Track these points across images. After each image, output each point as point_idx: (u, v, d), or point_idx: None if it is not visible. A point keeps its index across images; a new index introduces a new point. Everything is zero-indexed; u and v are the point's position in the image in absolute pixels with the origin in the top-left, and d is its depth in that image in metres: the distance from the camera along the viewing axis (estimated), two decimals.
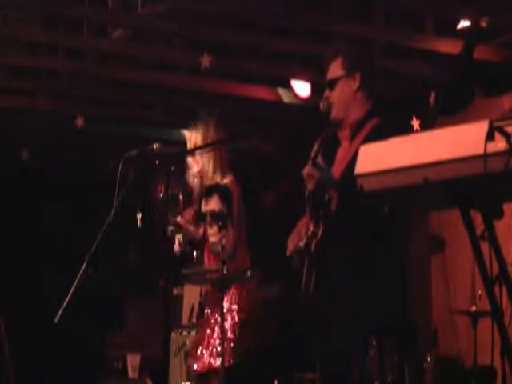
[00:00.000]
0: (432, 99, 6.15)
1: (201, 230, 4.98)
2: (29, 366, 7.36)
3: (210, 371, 4.76)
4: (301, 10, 5.96)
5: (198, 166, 5.14)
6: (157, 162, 4.20)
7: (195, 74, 6.87)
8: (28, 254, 8.28)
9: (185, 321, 5.86)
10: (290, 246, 3.91)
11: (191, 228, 4.96)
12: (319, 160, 3.79)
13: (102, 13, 6.02)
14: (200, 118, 5.24)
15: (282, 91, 7.41)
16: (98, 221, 4.00)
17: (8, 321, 6.53)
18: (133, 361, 7.58)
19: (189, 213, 4.99)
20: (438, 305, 7.35)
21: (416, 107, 6.23)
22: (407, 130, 4.32)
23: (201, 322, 5.00)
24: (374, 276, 3.70)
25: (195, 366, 4.80)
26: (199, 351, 4.81)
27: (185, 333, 5.30)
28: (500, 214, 2.65)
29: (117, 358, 7.80)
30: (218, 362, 4.56)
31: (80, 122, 7.51)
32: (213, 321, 4.85)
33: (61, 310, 3.80)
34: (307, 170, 3.73)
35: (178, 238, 4.88)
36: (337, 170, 3.82)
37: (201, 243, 5.04)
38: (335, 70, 3.96)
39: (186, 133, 5.30)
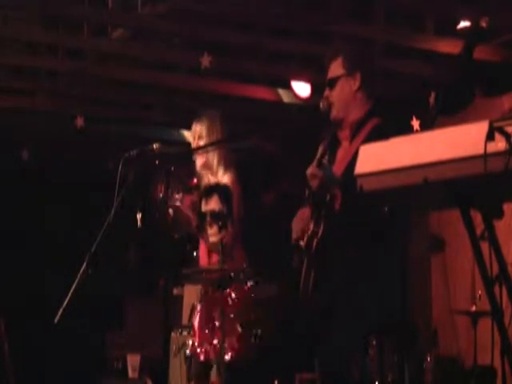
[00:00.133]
0: (432, 99, 6.15)
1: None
2: (29, 366, 7.35)
3: (210, 362, 4.78)
4: (301, 10, 5.96)
5: (202, 160, 5.15)
6: (157, 162, 4.20)
7: (195, 74, 6.87)
8: (28, 253, 8.27)
9: (185, 321, 5.85)
10: (294, 234, 3.91)
11: (189, 214, 4.97)
12: (325, 160, 3.80)
13: (102, 13, 6.02)
14: (204, 112, 5.25)
15: (282, 91, 7.41)
16: (98, 221, 4.00)
17: (8, 321, 6.53)
18: (133, 361, 7.57)
19: (189, 199, 5.00)
20: (437, 305, 7.35)
21: (416, 107, 6.23)
22: (407, 130, 4.32)
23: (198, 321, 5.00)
24: (374, 276, 3.70)
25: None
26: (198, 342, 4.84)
27: (185, 333, 5.29)
28: (500, 214, 2.66)
29: (117, 357, 7.80)
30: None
31: (80, 122, 7.51)
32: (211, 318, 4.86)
33: (61, 310, 3.80)
34: (311, 170, 3.74)
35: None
36: (337, 170, 3.82)
37: (197, 233, 5.05)
38: (335, 69, 3.96)
39: (192, 127, 5.29)
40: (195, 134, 5.20)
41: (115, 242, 4.00)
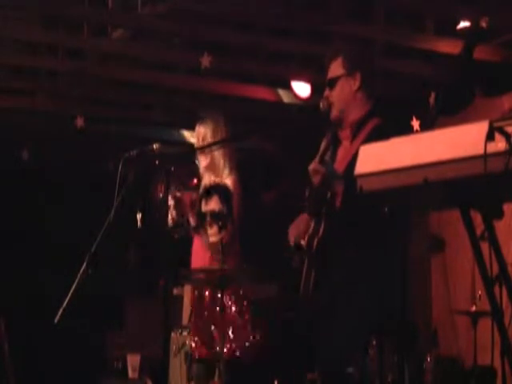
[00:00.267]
0: (432, 99, 6.15)
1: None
2: (29, 366, 7.35)
3: (210, 358, 4.79)
4: (301, 10, 5.96)
5: (207, 161, 5.14)
6: (157, 162, 4.20)
7: (195, 74, 6.87)
8: (28, 253, 8.27)
9: (185, 321, 5.85)
10: (291, 238, 3.91)
11: (188, 209, 4.98)
12: (327, 157, 3.80)
13: (102, 13, 6.02)
14: (208, 114, 5.25)
15: (282, 91, 7.41)
16: (98, 221, 4.00)
17: (8, 321, 6.53)
18: (133, 361, 7.57)
19: (188, 198, 5.00)
20: (437, 305, 7.35)
21: (416, 107, 6.23)
22: (407, 130, 4.32)
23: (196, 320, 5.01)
24: (374, 276, 3.70)
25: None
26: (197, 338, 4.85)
27: (185, 333, 5.30)
28: (500, 215, 2.66)
29: (117, 358, 7.80)
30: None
31: (80, 122, 7.51)
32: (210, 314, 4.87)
33: (61, 310, 3.80)
34: (313, 165, 3.74)
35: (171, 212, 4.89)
36: (337, 170, 3.82)
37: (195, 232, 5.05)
38: (335, 69, 3.96)
39: (195, 129, 5.29)
40: (199, 136, 5.18)
41: (115, 241, 4.01)
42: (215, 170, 5.15)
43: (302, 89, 7.10)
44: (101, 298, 7.98)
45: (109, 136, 8.18)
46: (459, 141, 2.47)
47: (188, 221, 4.99)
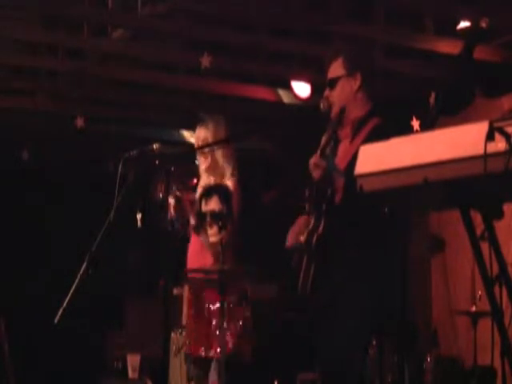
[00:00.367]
0: (432, 99, 6.15)
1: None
2: (29, 366, 7.36)
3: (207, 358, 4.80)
4: (301, 10, 5.96)
5: (207, 163, 5.14)
6: (157, 162, 4.20)
7: (195, 74, 6.87)
8: (28, 253, 8.27)
9: (185, 321, 5.85)
10: (289, 241, 3.91)
11: (188, 209, 4.98)
12: (328, 151, 3.80)
13: (102, 13, 6.02)
14: (209, 116, 5.24)
15: (282, 91, 7.41)
16: (98, 221, 4.00)
17: (8, 321, 6.53)
18: (133, 361, 7.57)
19: (187, 197, 5.00)
20: (437, 305, 7.35)
21: (416, 107, 6.23)
22: (407, 130, 4.32)
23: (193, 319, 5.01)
24: (374, 276, 3.70)
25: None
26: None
27: (185, 333, 5.30)
28: (500, 215, 2.65)
29: (117, 358, 7.80)
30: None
31: (80, 122, 7.51)
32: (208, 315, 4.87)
33: (61, 310, 3.80)
34: (314, 159, 3.75)
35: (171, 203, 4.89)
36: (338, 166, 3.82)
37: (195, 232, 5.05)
38: (336, 69, 3.96)
39: (195, 131, 5.29)
40: (200, 138, 5.17)
41: (115, 242, 4.01)
42: (216, 171, 5.15)
43: (301, 89, 7.10)
44: (101, 297, 7.98)
45: (109, 136, 8.18)
46: (459, 141, 2.47)
47: (188, 221, 4.99)
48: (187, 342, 4.94)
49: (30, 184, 8.45)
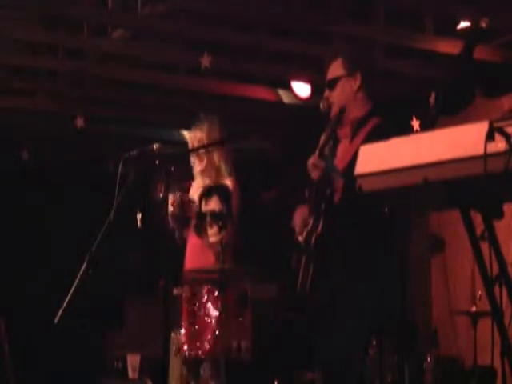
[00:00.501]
0: (432, 99, 6.15)
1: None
2: (29, 366, 7.35)
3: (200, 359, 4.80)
4: (301, 10, 5.96)
5: (202, 165, 5.14)
6: (157, 162, 4.20)
7: (195, 74, 6.87)
8: (28, 253, 8.27)
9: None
10: (298, 228, 3.90)
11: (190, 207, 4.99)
12: (326, 151, 3.80)
13: (102, 13, 6.02)
14: (203, 117, 5.24)
15: (282, 92, 7.41)
16: (98, 221, 4.00)
17: (8, 321, 6.53)
18: (133, 361, 7.57)
19: (187, 197, 5.01)
20: (437, 305, 7.35)
21: (416, 107, 6.23)
22: (407, 130, 4.33)
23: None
24: (373, 276, 3.70)
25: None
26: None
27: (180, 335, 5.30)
28: (500, 215, 2.65)
29: (117, 358, 7.79)
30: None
31: (80, 122, 7.51)
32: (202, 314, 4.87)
33: (61, 310, 3.80)
34: (313, 159, 3.74)
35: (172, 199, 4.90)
36: (337, 167, 3.82)
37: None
38: (335, 69, 3.96)
39: (189, 132, 5.29)
40: (195, 140, 5.17)
41: (115, 242, 4.00)
42: (212, 173, 5.14)
43: (301, 89, 7.10)
44: (101, 297, 7.98)
45: (109, 136, 8.18)
46: (459, 141, 2.47)
47: (190, 220, 4.99)
48: (181, 343, 4.93)
49: (29, 184, 8.45)
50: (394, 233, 3.13)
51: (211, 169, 5.14)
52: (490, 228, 2.67)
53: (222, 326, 4.72)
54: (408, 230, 3.24)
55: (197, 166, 5.16)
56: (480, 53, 6.16)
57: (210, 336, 4.81)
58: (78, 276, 3.84)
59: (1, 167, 8.05)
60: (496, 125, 2.42)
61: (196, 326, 4.87)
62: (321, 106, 3.94)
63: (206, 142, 5.09)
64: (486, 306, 3.82)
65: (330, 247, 3.78)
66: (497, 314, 2.68)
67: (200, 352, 4.81)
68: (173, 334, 4.95)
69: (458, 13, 5.91)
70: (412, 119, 6.20)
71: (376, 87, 4.04)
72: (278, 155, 8.83)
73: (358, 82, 3.93)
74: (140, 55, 6.71)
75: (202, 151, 5.11)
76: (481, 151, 2.39)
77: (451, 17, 6.03)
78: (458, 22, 5.94)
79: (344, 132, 3.95)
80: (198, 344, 4.82)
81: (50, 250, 8.44)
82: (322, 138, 3.89)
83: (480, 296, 6.16)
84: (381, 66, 6.27)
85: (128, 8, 5.91)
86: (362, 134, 3.84)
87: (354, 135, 3.89)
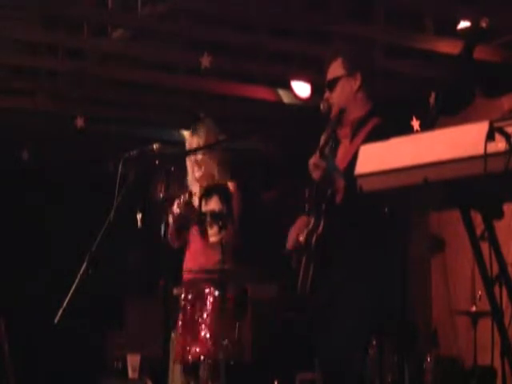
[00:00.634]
0: (432, 99, 6.15)
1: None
2: (29, 366, 7.35)
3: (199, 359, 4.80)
4: (301, 10, 5.96)
5: (201, 170, 5.13)
6: (157, 162, 4.20)
7: (195, 74, 6.87)
8: (28, 253, 8.27)
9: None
10: (290, 242, 3.91)
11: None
12: (327, 151, 3.80)
13: (102, 13, 6.02)
14: (200, 121, 5.24)
15: (282, 91, 7.41)
16: (98, 221, 4.00)
17: (8, 321, 6.53)
18: (133, 361, 7.57)
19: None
20: (437, 305, 7.35)
21: (416, 107, 6.23)
22: (407, 130, 4.32)
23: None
24: (373, 276, 3.70)
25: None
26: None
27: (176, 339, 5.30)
28: (500, 215, 2.65)
29: (117, 358, 7.80)
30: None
31: (80, 122, 7.51)
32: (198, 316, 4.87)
33: (61, 311, 3.79)
34: (314, 160, 3.74)
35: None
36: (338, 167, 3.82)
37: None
38: (335, 69, 3.96)
39: (186, 135, 5.30)
40: (193, 145, 5.16)
41: (115, 242, 4.00)
42: (209, 180, 5.13)
43: (301, 89, 7.10)
44: (101, 297, 7.98)
45: (109, 136, 8.18)
46: (459, 141, 2.47)
47: (193, 219, 5.00)
48: (178, 343, 4.92)
49: (29, 184, 8.45)
50: (394, 233, 3.13)
51: (210, 175, 5.13)
52: (489, 228, 2.67)
53: (222, 326, 4.72)
54: (408, 229, 3.24)
55: (196, 172, 5.15)
56: (480, 53, 6.16)
57: (209, 336, 4.81)
58: (78, 276, 3.84)
59: (1, 167, 8.05)
60: (496, 125, 2.42)
61: (196, 327, 4.87)
62: (321, 107, 3.94)
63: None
64: (486, 306, 3.83)
65: (330, 248, 3.78)
66: (497, 314, 2.68)
67: (200, 352, 4.80)
68: (173, 334, 4.95)
69: (458, 13, 5.91)
70: (412, 119, 6.20)
71: (376, 87, 4.04)
72: (278, 155, 8.83)
73: (358, 82, 3.93)
74: (140, 55, 6.71)
75: (200, 157, 5.10)
76: (481, 151, 2.39)
77: (451, 17, 6.03)
78: (458, 22, 5.94)
79: (344, 132, 3.95)
80: (197, 344, 4.82)
81: (50, 250, 8.44)
82: (323, 139, 3.89)
83: (480, 296, 6.16)
84: (381, 66, 6.27)
85: (128, 8, 5.91)
86: (362, 134, 3.84)
87: (354, 135, 3.89)
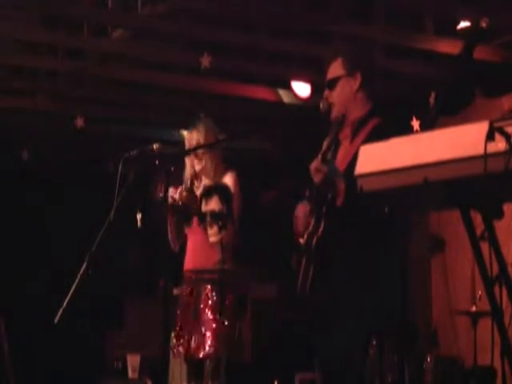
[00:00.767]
0: (432, 99, 6.15)
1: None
2: (29, 366, 7.35)
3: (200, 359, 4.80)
4: (301, 10, 5.96)
5: (201, 164, 5.14)
6: (157, 162, 4.20)
7: (195, 74, 6.87)
8: (28, 253, 8.27)
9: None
10: (299, 226, 3.89)
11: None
12: (329, 156, 3.80)
13: (102, 13, 6.02)
14: (199, 120, 5.24)
15: (282, 91, 7.41)
16: (98, 221, 4.00)
17: (8, 321, 6.53)
18: (133, 361, 7.57)
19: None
20: (437, 305, 7.35)
21: (416, 107, 6.23)
22: (407, 130, 4.32)
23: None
24: (374, 276, 3.70)
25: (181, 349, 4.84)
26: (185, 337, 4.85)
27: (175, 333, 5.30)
28: (500, 215, 2.65)
29: (117, 358, 7.80)
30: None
31: (80, 122, 7.51)
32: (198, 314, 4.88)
33: (61, 311, 3.80)
34: (315, 164, 3.74)
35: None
36: (338, 169, 3.82)
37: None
38: (335, 69, 3.96)
39: (185, 134, 5.31)
40: (192, 141, 5.17)
41: (115, 242, 4.01)
42: (210, 173, 5.14)
43: (301, 89, 7.10)
44: (101, 297, 7.98)
45: (109, 136, 8.18)
46: (459, 141, 2.47)
47: (195, 212, 5.00)
48: (176, 343, 4.91)
49: (29, 184, 8.45)
50: (394, 233, 3.13)
51: (210, 168, 5.15)
52: (489, 228, 2.67)
53: (222, 326, 4.72)
54: (408, 229, 3.24)
55: (196, 165, 5.17)
56: (480, 53, 6.16)
57: (209, 336, 4.80)
58: (78, 276, 3.84)
59: (1, 167, 8.05)
60: (496, 125, 2.42)
61: (196, 326, 4.87)
62: (321, 105, 3.94)
63: (203, 142, 5.10)
64: (486, 306, 3.82)
65: (330, 250, 3.78)
66: (497, 314, 2.68)
67: (200, 352, 4.80)
68: (173, 334, 4.95)
69: (458, 13, 5.91)
70: (412, 119, 6.20)
71: (376, 87, 4.04)
72: (277, 155, 8.83)
73: (357, 82, 3.93)
74: (140, 55, 6.71)
75: (200, 151, 5.11)
76: (481, 151, 2.39)
77: (451, 17, 6.03)
78: (458, 22, 5.94)
79: (344, 133, 3.95)
80: (197, 344, 4.82)
81: (50, 250, 8.44)
82: (325, 143, 3.89)
83: (480, 296, 6.16)
84: (381, 66, 6.28)
85: (128, 8, 5.91)
86: (362, 135, 3.84)
87: (354, 136, 3.88)
